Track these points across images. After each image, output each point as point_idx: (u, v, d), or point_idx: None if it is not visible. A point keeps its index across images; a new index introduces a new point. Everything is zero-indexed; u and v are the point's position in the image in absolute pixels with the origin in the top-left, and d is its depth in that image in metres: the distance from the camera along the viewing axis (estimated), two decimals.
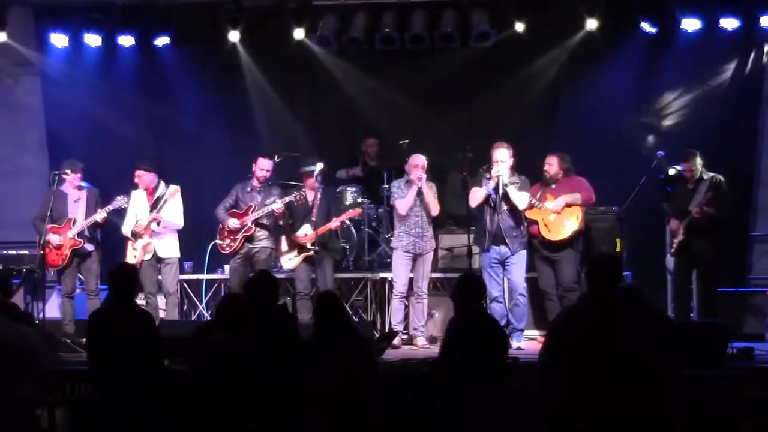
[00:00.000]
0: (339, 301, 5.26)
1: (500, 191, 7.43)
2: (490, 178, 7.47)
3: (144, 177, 7.99)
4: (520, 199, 7.45)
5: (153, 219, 7.87)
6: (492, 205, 7.51)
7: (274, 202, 7.95)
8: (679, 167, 7.93)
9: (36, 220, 7.89)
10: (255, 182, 8.09)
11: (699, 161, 7.77)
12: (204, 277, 8.79)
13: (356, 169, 9.72)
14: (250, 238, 7.99)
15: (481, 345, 4.85)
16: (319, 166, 8.04)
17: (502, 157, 7.49)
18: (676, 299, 7.85)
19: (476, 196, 7.51)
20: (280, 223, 8.19)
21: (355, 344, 4.91)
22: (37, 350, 4.57)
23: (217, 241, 8.17)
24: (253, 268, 8.09)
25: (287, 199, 7.92)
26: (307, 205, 7.99)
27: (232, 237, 8.02)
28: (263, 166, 8.06)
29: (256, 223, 7.97)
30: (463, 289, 5.06)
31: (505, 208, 7.51)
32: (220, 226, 8.13)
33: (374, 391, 4.83)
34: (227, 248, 8.06)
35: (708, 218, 7.59)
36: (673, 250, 7.77)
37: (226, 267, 8.55)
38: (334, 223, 7.93)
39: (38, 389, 4.65)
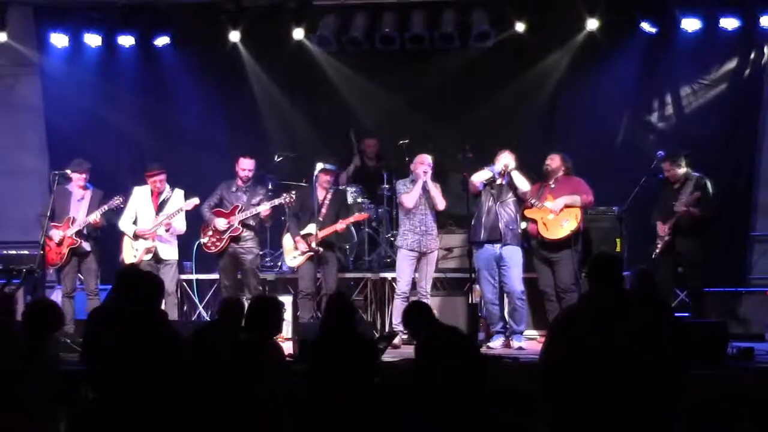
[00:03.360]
0: (349, 303, 5.29)
1: (506, 177, 7.52)
2: (494, 164, 7.58)
3: (162, 179, 8.02)
4: (524, 182, 7.56)
5: (165, 226, 7.91)
6: (493, 194, 7.54)
7: (260, 203, 7.96)
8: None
9: (41, 218, 7.96)
10: (239, 182, 8.11)
11: (681, 162, 7.73)
12: (204, 277, 8.78)
13: (354, 160, 9.68)
14: (236, 239, 8.00)
15: None
16: (319, 166, 8.04)
17: (506, 158, 7.62)
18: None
19: (479, 176, 7.60)
20: (266, 225, 8.20)
21: (360, 346, 4.92)
22: None
23: (202, 240, 8.18)
24: (241, 269, 8.09)
25: (276, 202, 7.92)
26: (318, 204, 7.99)
27: (217, 236, 8.03)
28: (245, 166, 8.08)
29: (242, 223, 7.97)
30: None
31: (507, 197, 7.54)
32: (205, 224, 8.13)
33: (373, 392, 4.83)
34: (212, 247, 8.07)
35: (693, 218, 7.58)
36: (658, 251, 7.71)
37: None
38: (340, 225, 7.93)
39: None
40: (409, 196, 7.76)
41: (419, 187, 7.73)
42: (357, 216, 8.19)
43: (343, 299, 5.28)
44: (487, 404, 4.81)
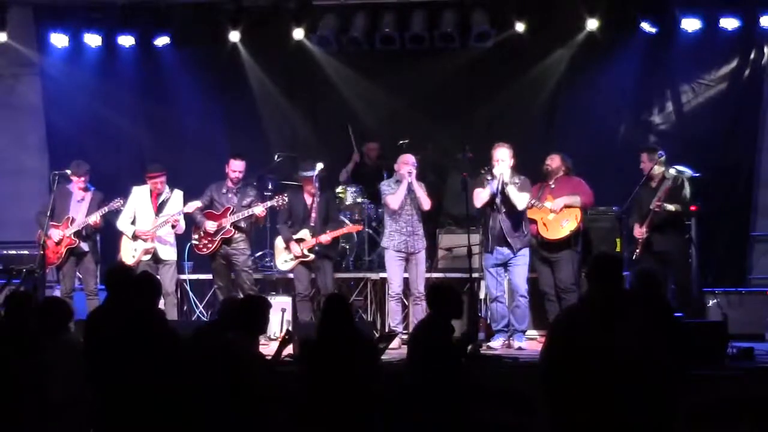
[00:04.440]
0: (347, 303, 5.28)
1: (501, 190, 7.39)
2: (493, 178, 7.44)
3: (162, 180, 8.02)
4: (520, 199, 7.43)
5: (174, 222, 7.92)
6: (495, 206, 7.49)
7: (251, 204, 7.94)
8: (679, 167, 7.91)
9: (39, 215, 7.94)
10: (230, 183, 8.10)
11: (656, 158, 7.66)
12: (204, 277, 8.77)
13: (354, 156, 9.67)
14: (227, 241, 7.99)
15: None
16: (319, 166, 8.04)
17: (503, 156, 7.45)
18: None
19: (480, 197, 7.48)
20: (261, 225, 8.19)
21: (359, 347, 4.92)
22: None
23: (194, 242, 8.18)
24: (233, 269, 8.08)
25: (269, 204, 7.91)
26: (306, 209, 7.97)
27: (209, 238, 8.02)
28: (235, 168, 8.06)
29: (234, 225, 7.97)
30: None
31: (505, 209, 7.50)
32: (195, 226, 8.13)
33: (376, 393, 4.83)
34: (204, 249, 8.07)
35: (668, 215, 7.54)
36: (638, 251, 7.62)
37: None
38: (324, 238, 7.83)
39: None
40: (394, 197, 7.68)
41: (404, 188, 7.65)
42: (349, 227, 8.13)
43: (340, 300, 5.27)
44: (468, 403, 4.83)
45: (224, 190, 8.11)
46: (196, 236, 8.12)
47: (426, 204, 7.75)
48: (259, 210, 7.90)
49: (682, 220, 7.69)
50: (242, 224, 8.03)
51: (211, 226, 7.95)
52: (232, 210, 7.99)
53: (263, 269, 8.95)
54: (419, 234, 7.77)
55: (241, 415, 4.66)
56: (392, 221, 7.75)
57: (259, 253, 8.96)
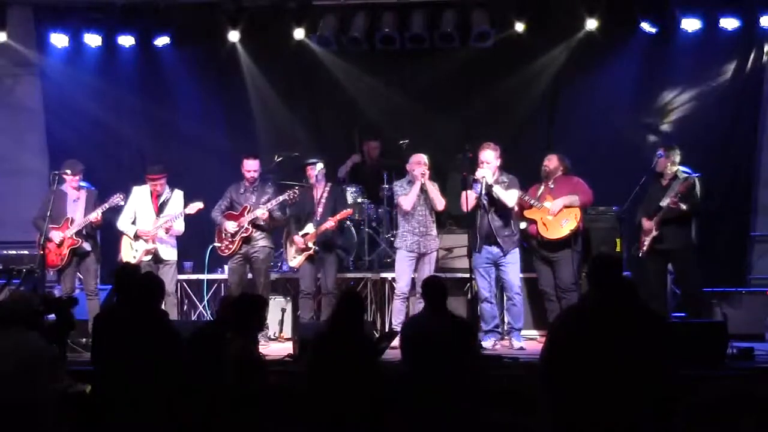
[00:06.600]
0: (361, 303, 5.30)
1: (487, 192, 7.42)
2: (476, 181, 7.45)
3: (162, 182, 8.02)
4: (509, 197, 7.46)
5: (165, 228, 7.92)
6: (483, 206, 7.50)
7: (269, 202, 7.95)
8: (681, 167, 7.88)
9: (37, 220, 7.90)
10: (246, 183, 8.11)
11: (672, 155, 7.68)
12: (204, 277, 8.78)
13: (354, 157, 9.68)
14: (247, 239, 8.00)
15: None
16: (319, 166, 8.05)
17: (488, 158, 7.49)
18: (653, 300, 7.39)
19: (468, 200, 7.50)
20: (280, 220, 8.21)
21: (365, 346, 4.94)
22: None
23: (216, 244, 8.19)
24: (251, 268, 8.10)
25: (280, 199, 7.89)
26: (313, 204, 7.98)
27: (230, 239, 8.03)
28: (249, 167, 8.08)
29: (253, 224, 7.98)
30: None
31: (492, 208, 7.50)
32: (218, 229, 8.13)
33: (378, 392, 4.85)
34: (226, 250, 8.08)
35: (679, 213, 7.51)
36: (645, 248, 7.62)
37: (227, 267, 8.57)
38: (329, 224, 7.90)
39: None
40: (406, 198, 7.69)
41: (417, 190, 7.66)
42: (343, 213, 8.05)
43: (356, 298, 5.29)
44: (480, 402, 4.83)
45: (242, 190, 8.13)
46: (219, 239, 8.11)
47: (440, 204, 7.76)
48: (260, 212, 7.87)
49: (689, 220, 7.66)
50: (260, 222, 8.04)
51: (230, 226, 7.97)
52: (250, 209, 8.00)
53: None
54: (432, 234, 7.79)
55: (234, 414, 4.67)
56: (405, 222, 7.77)
57: (273, 251, 8.83)
